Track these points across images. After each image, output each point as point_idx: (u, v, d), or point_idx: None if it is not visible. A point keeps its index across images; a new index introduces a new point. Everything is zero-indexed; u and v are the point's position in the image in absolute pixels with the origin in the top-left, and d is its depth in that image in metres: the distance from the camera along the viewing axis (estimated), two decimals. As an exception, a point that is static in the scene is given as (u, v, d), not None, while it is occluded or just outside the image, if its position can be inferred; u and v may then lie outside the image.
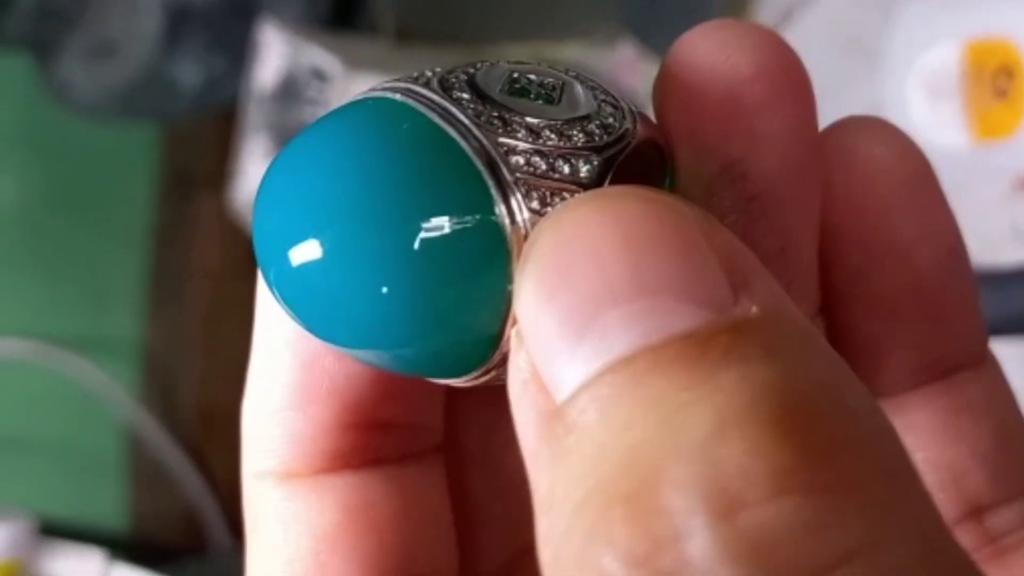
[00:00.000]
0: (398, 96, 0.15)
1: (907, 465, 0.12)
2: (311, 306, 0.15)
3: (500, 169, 0.14)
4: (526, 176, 0.14)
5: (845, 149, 0.16)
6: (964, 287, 0.17)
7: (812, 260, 0.16)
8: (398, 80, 0.15)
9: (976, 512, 0.17)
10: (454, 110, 0.14)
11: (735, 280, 0.12)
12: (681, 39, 0.15)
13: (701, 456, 0.11)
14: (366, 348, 0.15)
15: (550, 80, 0.15)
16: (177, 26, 0.63)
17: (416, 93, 0.15)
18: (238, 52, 0.59)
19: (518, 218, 0.14)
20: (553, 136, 0.14)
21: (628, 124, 0.15)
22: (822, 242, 0.16)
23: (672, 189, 0.15)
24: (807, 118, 0.15)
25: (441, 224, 0.14)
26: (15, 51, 0.67)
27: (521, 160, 0.14)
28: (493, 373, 0.15)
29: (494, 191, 0.14)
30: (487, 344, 0.14)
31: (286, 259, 0.14)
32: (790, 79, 0.15)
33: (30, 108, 0.72)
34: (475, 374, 0.15)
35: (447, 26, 0.54)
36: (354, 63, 0.48)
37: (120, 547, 0.74)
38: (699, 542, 0.11)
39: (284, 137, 0.51)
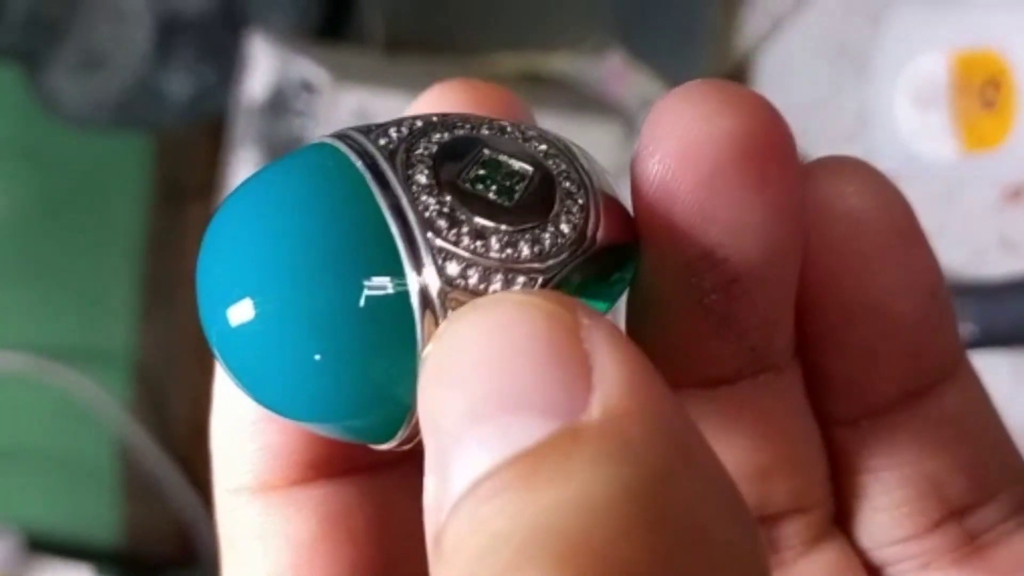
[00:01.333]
0: (345, 148, 0.15)
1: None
2: (249, 370, 0.15)
3: (418, 247, 0.14)
4: (454, 289, 0.14)
5: (824, 199, 0.16)
6: (943, 319, 0.17)
7: (789, 316, 0.16)
8: (364, 129, 0.15)
9: (956, 514, 0.17)
10: (397, 189, 0.14)
11: (595, 380, 0.12)
12: (659, 106, 0.15)
13: (471, 562, 0.11)
14: (297, 418, 0.15)
15: (521, 168, 0.14)
16: (167, 37, 0.63)
17: (367, 155, 0.14)
18: (228, 63, 0.59)
19: (430, 293, 0.14)
20: (497, 246, 0.14)
21: (589, 229, 0.14)
22: (799, 292, 0.16)
23: (635, 276, 0.15)
24: (791, 194, 0.15)
25: (362, 290, 0.14)
26: (4, 62, 0.67)
27: (455, 270, 0.14)
28: (417, 438, 0.15)
29: (408, 266, 0.14)
30: (407, 412, 0.14)
31: (225, 319, 0.14)
32: (775, 156, 0.14)
33: (20, 119, 0.72)
34: (399, 440, 0.15)
35: (437, 36, 0.54)
36: (343, 75, 0.48)
37: (111, 560, 0.74)
38: None
39: (273, 149, 0.51)
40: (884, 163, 0.42)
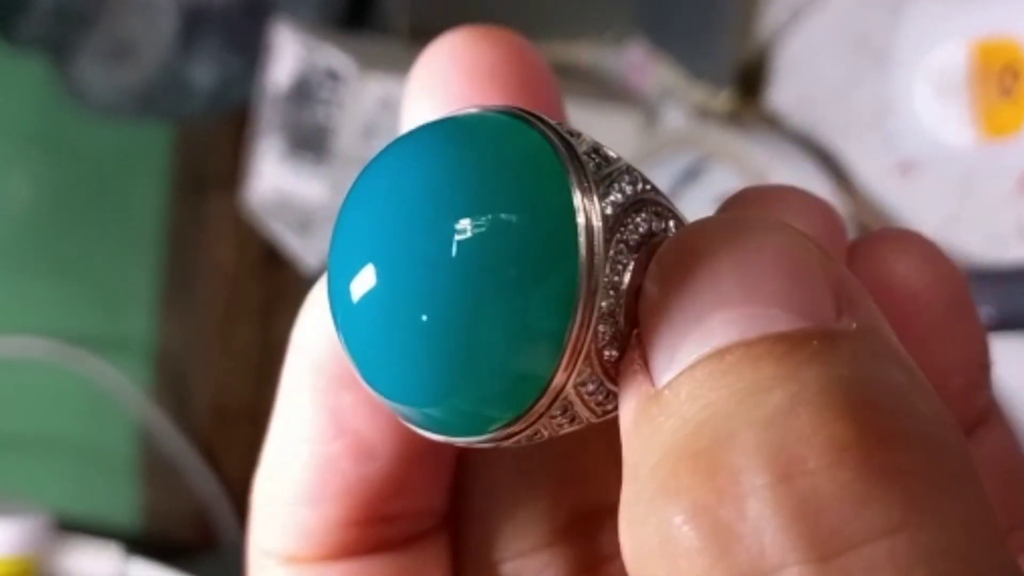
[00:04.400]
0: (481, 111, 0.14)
1: (969, 471, 0.13)
2: (366, 351, 0.14)
3: (580, 166, 0.14)
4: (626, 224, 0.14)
5: (884, 277, 0.16)
6: (986, 382, 0.17)
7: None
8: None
9: None
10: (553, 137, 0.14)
11: (841, 303, 0.13)
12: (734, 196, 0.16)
13: (769, 426, 0.12)
14: (402, 401, 0.14)
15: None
16: (192, 27, 0.64)
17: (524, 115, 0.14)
18: (253, 53, 0.59)
19: (593, 221, 0.14)
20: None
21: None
22: None
23: None
24: None
25: (508, 221, 0.13)
26: (32, 53, 0.67)
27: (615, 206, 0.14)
28: (536, 426, 0.14)
29: (574, 185, 0.14)
30: (535, 383, 0.14)
31: (348, 296, 0.14)
32: None
33: (46, 109, 0.72)
34: (515, 425, 0.14)
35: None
36: (368, 63, 0.48)
37: (133, 544, 0.74)
38: (757, 498, 0.12)
39: (298, 137, 0.52)
40: (904, 151, 0.42)
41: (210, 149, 0.76)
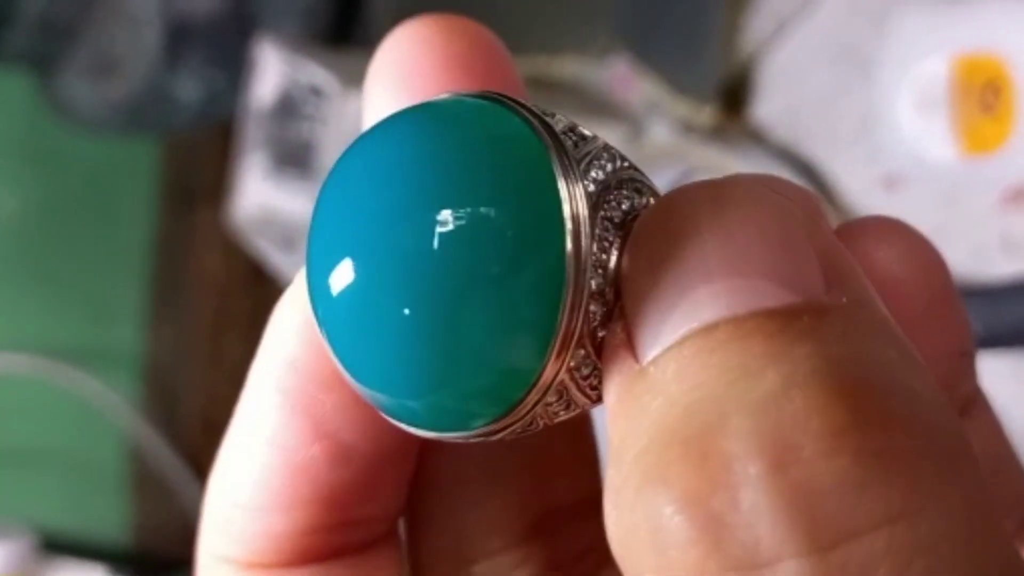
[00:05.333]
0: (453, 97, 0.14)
1: (965, 452, 0.12)
2: (348, 345, 0.14)
3: (563, 148, 0.13)
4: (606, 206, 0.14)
5: (865, 263, 0.16)
6: (969, 370, 0.17)
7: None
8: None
9: None
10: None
11: (830, 275, 0.13)
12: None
13: (762, 410, 0.12)
14: (389, 396, 0.14)
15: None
16: (177, 41, 0.63)
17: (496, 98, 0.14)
18: (237, 67, 0.59)
19: (578, 203, 0.13)
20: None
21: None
22: None
23: None
24: None
25: (488, 208, 0.13)
26: (17, 67, 0.67)
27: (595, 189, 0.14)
28: (532, 412, 0.14)
29: (557, 170, 0.13)
30: (524, 381, 0.14)
31: (328, 289, 0.13)
32: None
33: (31, 123, 0.72)
34: (510, 417, 0.14)
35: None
36: (352, 79, 0.48)
37: (121, 559, 0.74)
38: (751, 488, 0.11)
39: (282, 153, 0.52)
40: (887, 165, 0.42)
41: (198, 161, 0.75)
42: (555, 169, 0.13)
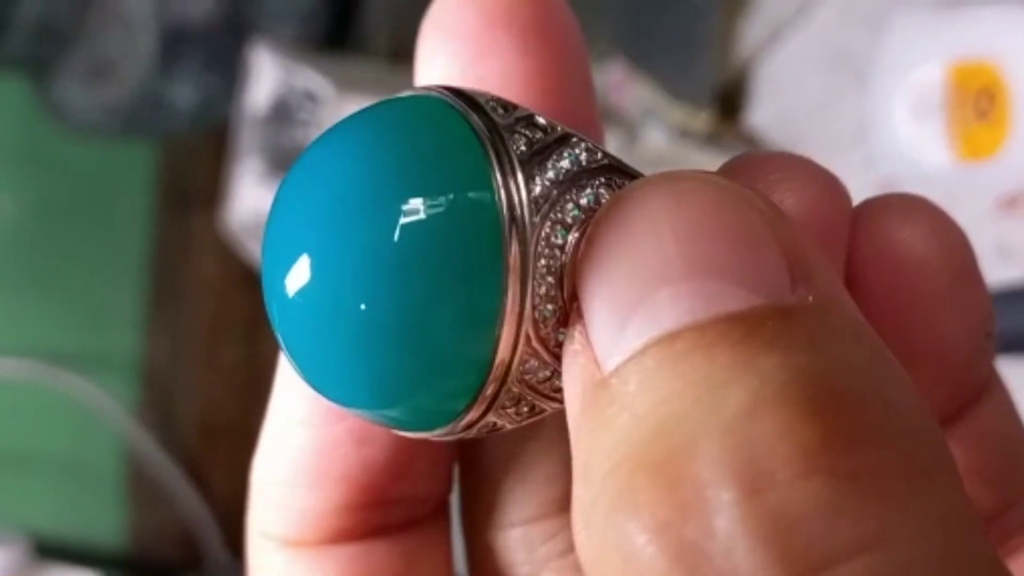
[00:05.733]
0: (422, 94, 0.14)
1: (942, 462, 0.12)
2: (304, 348, 0.14)
3: (503, 145, 0.13)
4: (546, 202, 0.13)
5: (890, 242, 0.16)
6: (989, 351, 0.17)
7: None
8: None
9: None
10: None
11: (795, 271, 0.12)
12: (722, 167, 0.15)
13: (732, 432, 0.11)
14: (345, 402, 0.14)
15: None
16: (173, 46, 0.63)
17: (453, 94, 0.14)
18: (233, 73, 0.59)
19: (516, 200, 0.13)
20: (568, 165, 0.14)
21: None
22: None
23: None
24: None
25: (424, 207, 0.13)
26: (13, 71, 0.67)
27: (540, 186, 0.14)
28: (487, 418, 0.14)
29: (494, 165, 0.13)
30: (477, 373, 0.14)
31: (284, 290, 0.13)
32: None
33: (27, 128, 0.72)
34: (465, 418, 0.14)
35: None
36: (347, 85, 0.48)
37: (118, 564, 0.74)
38: (725, 516, 0.11)
39: (277, 159, 0.52)
40: (882, 171, 0.42)
41: (194, 165, 0.75)
42: (492, 170, 0.13)
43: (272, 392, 0.17)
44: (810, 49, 0.45)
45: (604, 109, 0.52)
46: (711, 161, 0.45)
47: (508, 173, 0.13)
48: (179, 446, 0.74)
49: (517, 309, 0.13)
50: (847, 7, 0.44)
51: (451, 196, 0.13)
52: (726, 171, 0.15)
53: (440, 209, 0.13)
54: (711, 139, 0.47)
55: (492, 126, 0.13)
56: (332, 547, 0.17)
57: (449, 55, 0.16)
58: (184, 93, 0.64)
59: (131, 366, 0.78)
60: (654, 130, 0.49)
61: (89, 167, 0.76)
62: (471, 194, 0.13)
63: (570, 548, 0.17)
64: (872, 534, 0.11)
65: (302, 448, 0.16)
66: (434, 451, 0.17)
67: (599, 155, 0.14)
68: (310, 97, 0.49)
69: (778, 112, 0.46)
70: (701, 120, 0.47)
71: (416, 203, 0.13)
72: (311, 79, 0.49)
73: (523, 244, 0.13)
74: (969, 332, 0.16)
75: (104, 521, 0.77)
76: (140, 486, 0.76)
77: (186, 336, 0.77)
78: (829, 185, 0.15)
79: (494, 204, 0.13)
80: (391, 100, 0.14)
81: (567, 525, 0.17)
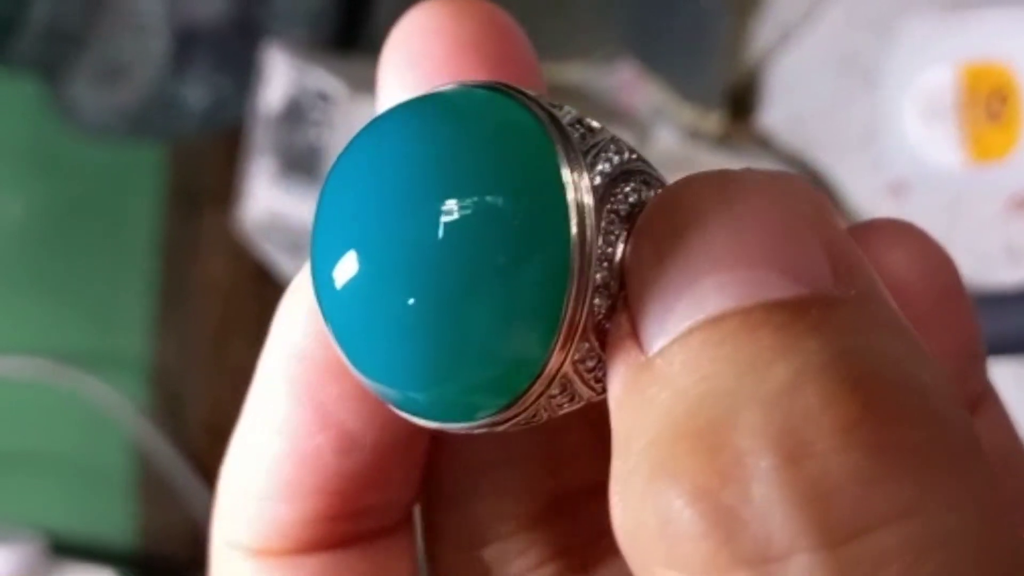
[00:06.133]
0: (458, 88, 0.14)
1: (972, 445, 0.12)
2: (353, 336, 0.14)
3: (571, 143, 0.13)
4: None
5: (875, 265, 0.16)
6: (979, 371, 0.17)
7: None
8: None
9: None
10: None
11: (838, 267, 0.13)
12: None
13: (774, 403, 0.12)
14: (395, 387, 0.14)
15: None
16: (185, 48, 0.64)
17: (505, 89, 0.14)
18: (244, 74, 0.59)
19: (582, 192, 0.13)
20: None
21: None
22: None
23: None
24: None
25: (492, 198, 0.13)
26: (25, 73, 0.67)
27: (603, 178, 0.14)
28: (534, 407, 0.14)
29: (562, 161, 0.13)
30: (536, 360, 0.13)
31: (332, 282, 0.13)
32: None
33: (39, 129, 0.73)
34: (514, 407, 0.14)
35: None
36: (359, 85, 0.48)
37: (128, 562, 0.74)
38: (763, 482, 0.11)
39: (290, 159, 0.52)
40: (893, 172, 0.42)
41: (203, 166, 0.76)
42: (560, 160, 0.13)
43: (248, 399, 0.17)
44: (820, 51, 0.45)
45: (614, 110, 0.53)
46: (722, 162, 0.45)
47: (575, 166, 0.13)
48: (188, 445, 0.74)
49: (581, 300, 0.13)
50: (856, 9, 0.44)
51: (517, 184, 0.13)
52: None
53: (506, 197, 0.13)
54: (722, 140, 0.47)
55: (554, 119, 0.14)
56: (302, 557, 0.17)
57: (416, 78, 0.16)
58: (195, 95, 0.65)
59: (140, 366, 0.78)
60: (664, 131, 0.49)
61: (99, 168, 0.76)
62: (542, 188, 0.13)
63: (542, 561, 0.17)
64: (907, 505, 0.11)
65: (279, 458, 0.16)
66: (409, 458, 0.17)
67: (635, 155, 0.14)
68: (323, 97, 0.49)
69: (789, 114, 0.46)
70: (712, 121, 0.48)
71: (481, 193, 0.13)
72: (324, 79, 0.49)
73: (586, 229, 0.13)
74: (957, 354, 0.16)
75: (114, 520, 0.77)
76: (149, 485, 0.76)
77: (195, 336, 0.77)
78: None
79: (562, 196, 0.13)
80: (444, 91, 0.14)
81: (538, 541, 0.17)
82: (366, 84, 0.48)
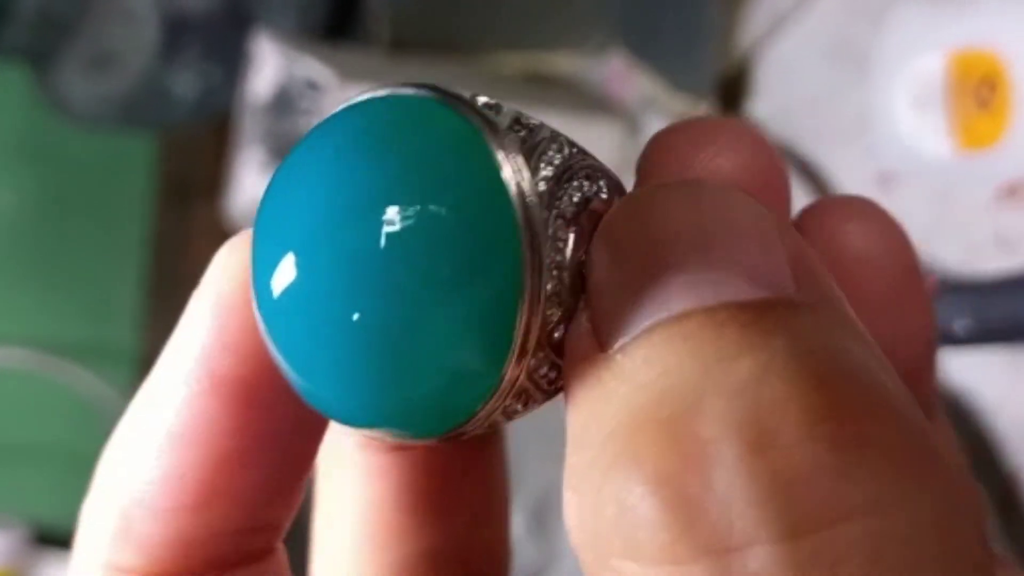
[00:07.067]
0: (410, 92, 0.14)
1: (932, 445, 0.12)
2: (295, 350, 0.13)
3: (504, 143, 0.13)
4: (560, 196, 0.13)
5: (836, 242, 0.16)
6: (932, 367, 0.17)
7: None
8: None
9: None
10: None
11: (799, 274, 0.13)
12: (654, 139, 0.15)
13: (740, 394, 0.12)
14: (347, 410, 0.13)
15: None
16: (174, 37, 0.63)
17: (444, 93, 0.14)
18: (234, 62, 0.59)
19: (526, 196, 0.13)
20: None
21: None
22: None
23: None
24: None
25: (435, 207, 0.12)
26: (13, 61, 0.67)
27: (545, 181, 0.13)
28: (494, 414, 0.14)
29: (502, 162, 0.13)
30: (494, 372, 0.13)
31: (269, 289, 0.13)
32: (770, 187, 0.15)
33: (28, 118, 0.72)
34: (479, 413, 0.13)
35: (442, 36, 0.54)
36: (349, 74, 0.48)
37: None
38: (726, 470, 0.11)
39: (279, 147, 0.52)
40: (883, 161, 0.42)
41: (194, 156, 0.75)
42: (501, 168, 0.13)
43: (139, 400, 0.16)
44: (811, 40, 0.45)
45: (605, 100, 0.52)
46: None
47: (516, 169, 0.13)
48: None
49: (536, 313, 0.13)
50: (848, -1, 0.44)
51: (461, 194, 0.13)
52: (664, 142, 0.15)
53: (451, 209, 0.12)
54: (712, 130, 0.47)
55: (492, 125, 0.13)
56: None
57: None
58: (185, 83, 0.64)
59: (130, 356, 0.78)
60: (655, 121, 0.49)
61: (90, 157, 0.76)
62: (484, 197, 0.13)
63: None
64: (870, 500, 0.11)
65: (187, 463, 0.15)
66: (300, 474, 0.17)
67: (575, 148, 0.14)
68: (312, 86, 0.49)
69: (779, 103, 0.46)
70: (702, 111, 0.48)
71: (425, 204, 0.12)
72: (313, 68, 0.49)
73: (536, 239, 0.13)
74: (913, 337, 0.17)
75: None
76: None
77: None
78: (762, 148, 0.16)
79: (509, 206, 0.13)
80: (381, 97, 0.14)
81: None
82: (355, 72, 0.48)
